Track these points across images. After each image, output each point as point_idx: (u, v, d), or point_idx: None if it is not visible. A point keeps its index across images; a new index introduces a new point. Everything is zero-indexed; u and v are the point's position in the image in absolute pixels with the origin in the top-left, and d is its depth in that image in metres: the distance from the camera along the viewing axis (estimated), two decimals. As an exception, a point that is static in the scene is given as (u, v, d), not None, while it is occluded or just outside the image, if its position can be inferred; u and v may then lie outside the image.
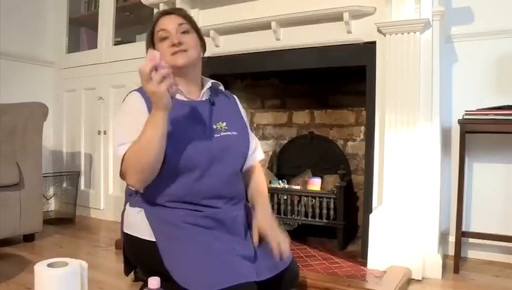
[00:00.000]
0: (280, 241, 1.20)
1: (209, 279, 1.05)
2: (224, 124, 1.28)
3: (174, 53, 1.22)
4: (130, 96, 1.26)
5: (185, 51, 1.23)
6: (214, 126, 1.26)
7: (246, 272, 1.09)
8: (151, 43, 1.29)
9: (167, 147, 1.14)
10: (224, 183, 1.22)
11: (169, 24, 1.25)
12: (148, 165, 1.11)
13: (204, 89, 1.31)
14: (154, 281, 1.00)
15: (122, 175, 1.16)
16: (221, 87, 1.39)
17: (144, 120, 1.12)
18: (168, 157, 1.15)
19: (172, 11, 1.30)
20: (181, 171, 1.17)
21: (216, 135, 1.24)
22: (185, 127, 1.20)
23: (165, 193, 1.19)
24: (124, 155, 1.13)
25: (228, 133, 1.26)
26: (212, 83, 1.34)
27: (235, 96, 1.45)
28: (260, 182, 1.40)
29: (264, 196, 1.36)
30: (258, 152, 1.44)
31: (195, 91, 1.30)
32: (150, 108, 1.15)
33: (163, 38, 1.24)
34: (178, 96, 1.24)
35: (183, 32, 1.25)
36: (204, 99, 1.30)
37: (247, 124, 1.41)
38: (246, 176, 1.39)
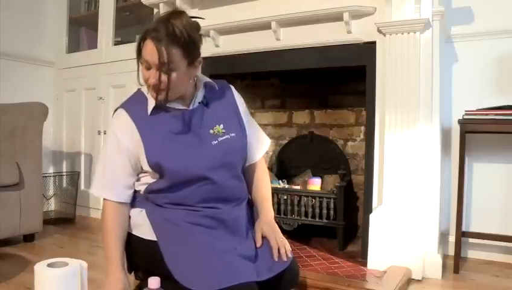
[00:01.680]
0: (280, 246, 1.20)
1: (210, 278, 1.05)
2: (222, 126, 1.24)
3: (151, 88, 1.16)
4: (118, 119, 1.21)
5: (162, 89, 1.14)
6: (211, 131, 1.22)
7: (246, 272, 1.09)
8: (138, 55, 1.18)
9: (166, 162, 1.15)
10: (225, 188, 1.21)
11: (151, 59, 1.12)
12: None
13: (198, 94, 1.26)
14: (154, 281, 1.00)
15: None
16: (215, 86, 1.31)
17: (130, 146, 1.18)
18: (167, 173, 1.15)
19: (161, 40, 1.10)
20: (181, 183, 1.17)
21: (214, 142, 1.21)
22: (181, 141, 1.18)
23: (166, 197, 1.19)
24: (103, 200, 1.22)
25: (226, 136, 1.23)
26: (205, 83, 1.29)
27: (231, 86, 1.38)
28: (263, 184, 1.39)
29: (268, 200, 1.35)
30: (263, 145, 1.40)
31: (188, 97, 1.25)
32: (139, 127, 1.18)
33: (146, 67, 1.15)
34: (170, 105, 1.20)
35: (164, 72, 1.12)
36: (197, 104, 1.25)
37: (245, 114, 1.35)
38: (248, 173, 1.37)
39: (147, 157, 1.16)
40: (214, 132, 1.23)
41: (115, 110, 1.24)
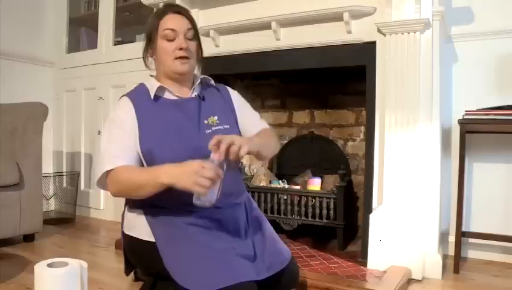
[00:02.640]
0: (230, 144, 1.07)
1: (209, 278, 1.05)
2: (216, 118, 1.27)
3: (178, 58, 1.23)
4: (120, 104, 1.25)
5: (188, 58, 1.24)
6: (205, 121, 1.25)
7: (245, 271, 1.09)
8: (150, 38, 1.27)
9: (158, 150, 1.16)
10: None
11: (179, 26, 1.24)
12: (131, 195, 1.19)
13: (194, 86, 1.31)
14: (216, 155, 1.03)
15: (100, 182, 1.20)
16: (212, 82, 1.38)
17: (131, 127, 1.18)
18: (161, 162, 1.15)
19: (181, 10, 1.28)
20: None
21: (207, 131, 1.23)
22: (176, 128, 1.20)
23: (161, 196, 1.18)
24: (111, 171, 1.15)
25: (220, 127, 1.26)
26: (201, 78, 1.34)
27: (227, 87, 1.43)
28: (266, 133, 1.33)
29: (258, 136, 1.27)
30: (261, 124, 1.39)
31: (186, 89, 1.31)
32: (138, 113, 1.20)
33: (170, 39, 1.23)
34: (167, 96, 1.26)
35: (189, 39, 1.25)
36: (193, 95, 1.30)
37: (242, 107, 1.39)
38: None
39: (140, 143, 1.18)
40: (208, 122, 1.25)
41: (119, 98, 1.29)
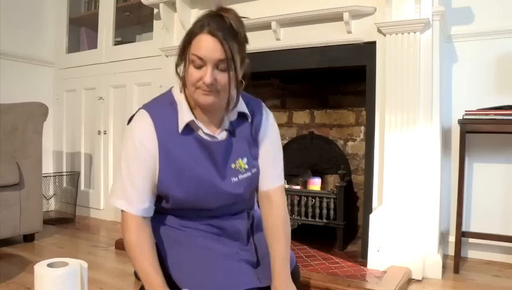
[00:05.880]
0: None
1: (211, 284, 1.04)
2: (245, 160, 1.14)
3: (203, 89, 1.04)
4: (141, 122, 1.09)
5: (215, 91, 1.04)
6: (233, 165, 1.13)
7: (248, 277, 1.08)
8: (182, 54, 1.08)
9: (175, 193, 1.09)
10: (231, 211, 1.20)
11: (209, 55, 1.01)
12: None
13: (227, 121, 1.14)
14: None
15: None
16: (248, 115, 1.17)
17: (152, 156, 1.07)
18: (172, 201, 1.12)
19: (218, 34, 1.01)
20: (189, 210, 1.15)
21: (234, 179, 1.13)
22: (199, 173, 1.10)
23: (166, 204, 1.16)
24: (123, 212, 1.09)
25: (248, 174, 1.15)
26: (238, 112, 1.16)
27: (263, 110, 1.21)
28: (280, 233, 1.17)
29: (282, 258, 1.13)
30: (278, 176, 1.22)
31: (216, 121, 1.13)
32: (160, 140, 1.07)
33: (196, 66, 1.03)
34: (195, 129, 1.11)
35: (221, 70, 1.03)
36: (223, 131, 1.14)
37: (270, 146, 1.20)
38: (264, 207, 1.21)
39: (159, 182, 1.10)
40: (236, 167, 1.14)
41: (140, 108, 1.13)
